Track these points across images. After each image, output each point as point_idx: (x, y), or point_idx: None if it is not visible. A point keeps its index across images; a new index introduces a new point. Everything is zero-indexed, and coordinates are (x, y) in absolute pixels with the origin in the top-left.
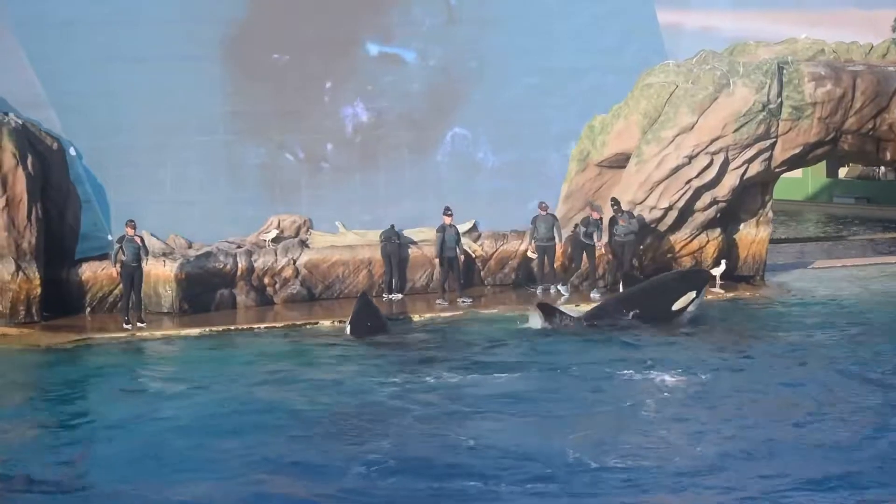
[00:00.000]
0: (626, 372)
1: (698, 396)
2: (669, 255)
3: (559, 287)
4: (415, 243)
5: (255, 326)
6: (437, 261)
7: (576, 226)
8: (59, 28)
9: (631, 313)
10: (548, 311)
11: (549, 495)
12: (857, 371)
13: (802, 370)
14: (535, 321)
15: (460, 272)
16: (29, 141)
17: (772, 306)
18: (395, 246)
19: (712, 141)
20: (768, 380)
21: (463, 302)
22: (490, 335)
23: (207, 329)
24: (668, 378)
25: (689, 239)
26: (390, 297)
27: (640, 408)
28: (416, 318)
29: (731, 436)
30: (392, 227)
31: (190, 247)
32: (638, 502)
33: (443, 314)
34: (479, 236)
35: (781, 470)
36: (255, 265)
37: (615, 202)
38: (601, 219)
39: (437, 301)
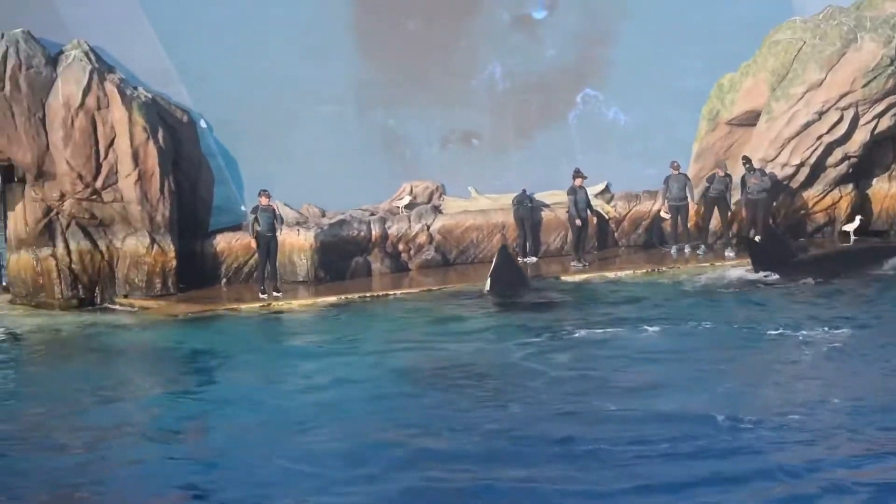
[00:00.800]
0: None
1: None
2: (802, 212)
3: (690, 246)
4: (547, 206)
5: (392, 293)
6: (579, 221)
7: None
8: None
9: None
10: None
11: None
12: None
13: None
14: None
15: (587, 234)
16: (159, 115)
17: None
18: (527, 209)
19: (842, 96)
20: None
21: (578, 265)
22: (627, 294)
23: (344, 297)
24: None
25: (821, 195)
26: (524, 260)
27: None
28: (551, 279)
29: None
30: (524, 191)
31: (324, 215)
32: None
33: (580, 276)
34: (612, 197)
35: None
36: (389, 232)
37: (746, 160)
38: (728, 176)
39: (573, 263)
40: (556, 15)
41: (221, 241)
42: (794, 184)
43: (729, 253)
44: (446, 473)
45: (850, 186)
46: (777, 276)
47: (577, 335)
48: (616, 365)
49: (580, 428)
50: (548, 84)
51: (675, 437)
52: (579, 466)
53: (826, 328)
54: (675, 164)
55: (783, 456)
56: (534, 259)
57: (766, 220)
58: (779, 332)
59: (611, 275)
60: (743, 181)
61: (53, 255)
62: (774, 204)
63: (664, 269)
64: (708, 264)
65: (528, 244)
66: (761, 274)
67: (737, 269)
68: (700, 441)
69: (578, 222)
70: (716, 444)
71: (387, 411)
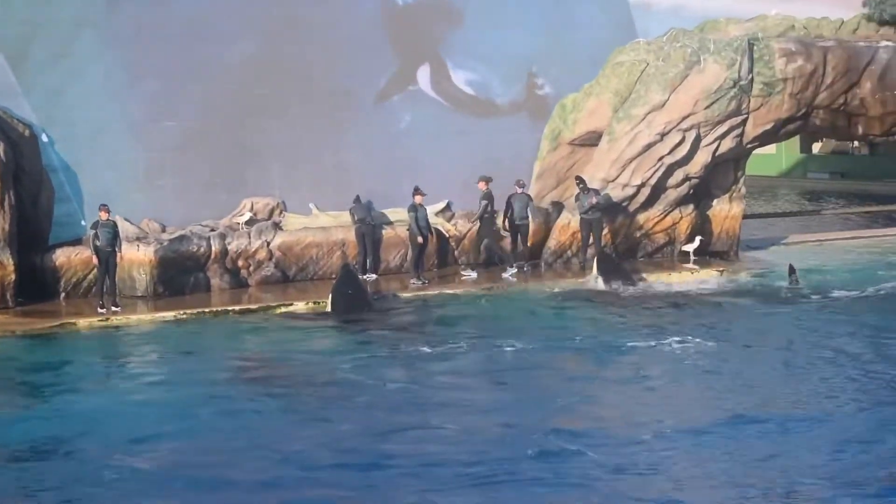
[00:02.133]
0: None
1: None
2: (642, 232)
3: (530, 265)
4: (390, 223)
5: (230, 308)
6: (420, 239)
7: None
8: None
9: None
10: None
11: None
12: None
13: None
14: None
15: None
16: (0, 128)
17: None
18: (368, 227)
19: (684, 118)
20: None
21: (417, 282)
22: (465, 312)
23: (182, 312)
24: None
25: (662, 215)
26: (364, 277)
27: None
28: (392, 296)
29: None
30: (358, 197)
31: (164, 231)
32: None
33: (420, 293)
34: (453, 216)
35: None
36: (229, 248)
37: (580, 180)
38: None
39: (412, 281)
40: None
41: (61, 256)
42: (635, 204)
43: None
44: (234, 495)
45: (691, 207)
46: (629, 289)
47: (412, 352)
48: (448, 382)
49: (392, 446)
50: (389, 108)
51: (478, 459)
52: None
53: (678, 341)
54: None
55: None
56: (373, 276)
57: (599, 240)
58: (628, 345)
59: (450, 292)
60: (576, 200)
61: None
62: (615, 224)
63: (506, 287)
64: (548, 282)
65: (368, 261)
66: (611, 287)
67: (584, 284)
68: (502, 465)
69: (420, 240)
70: (518, 469)
71: (204, 430)
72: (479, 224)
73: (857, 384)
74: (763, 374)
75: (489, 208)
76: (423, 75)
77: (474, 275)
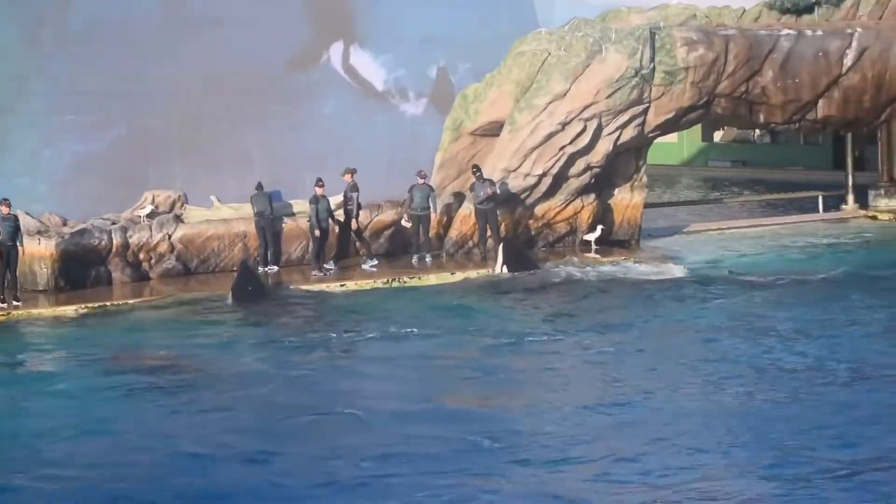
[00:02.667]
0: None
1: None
2: (544, 222)
3: (432, 256)
4: (291, 215)
5: (131, 301)
6: (317, 232)
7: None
8: None
9: None
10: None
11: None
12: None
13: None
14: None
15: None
16: None
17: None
18: (267, 219)
19: (585, 107)
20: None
21: (319, 273)
22: (367, 302)
23: (84, 306)
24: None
25: (563, 205)
26: (266, 269)
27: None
28: (292, 287)
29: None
30: (260, 185)
31: (65, 224)
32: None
33: (321, 284)
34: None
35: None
36: (131, 241)
37: (476, 168)
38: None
39: (313, 272)
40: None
41: None
42: (537, 194)
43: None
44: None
45: (593, 196)
46: (535, 277)
47: (314, 342)
48: (351, 371)
49: (267, 440)
50: (292, 95)
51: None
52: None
53: (582, 329)
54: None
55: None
56: (275, 268)
57: (497, 229)
58: (535, 338)
59: (351, 283)
60: (471, 190)
61: None
62: (514, 214)
63: (406, 278)
64: (450, 273)
65: (269, 253)
66: (516, 275)
67: (488, 275)
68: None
69: (317, 232)
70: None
71: (100, 424)
72: (344, 217)
73: (747, 374)
74: (667, 362)
75: (357, 200)
76: (335, 53)
77: (375, 264)
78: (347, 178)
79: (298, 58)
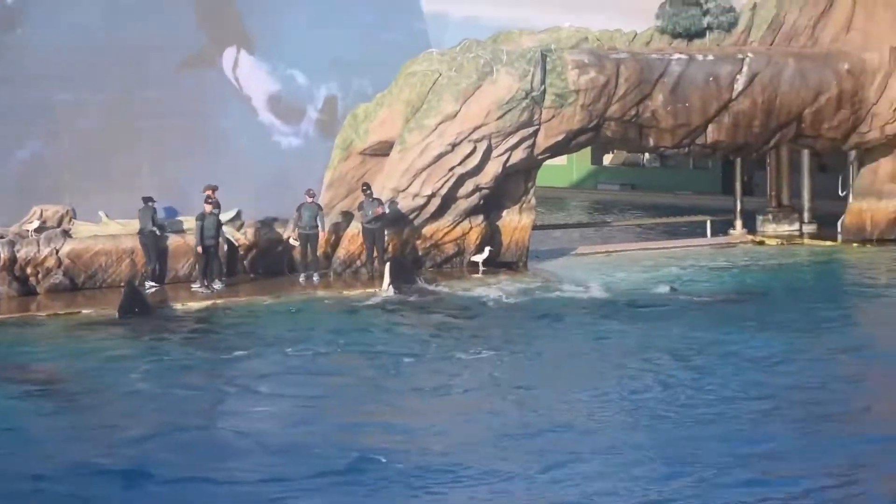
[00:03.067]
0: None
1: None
2: (432, 242)
3: (319, 274)
4: (181, 231)
5: (16, 316)
6: (199, 249)
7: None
8: None
9: None
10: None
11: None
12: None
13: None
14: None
15: (220, 261)
16: None
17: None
18: (149, 236)
19: (475, 128)
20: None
21: (207, 290)
22: (253, 320)
23: None
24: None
25: (452, 226)
26: (150, 285)
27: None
28: (178, 305)
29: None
30: (149, 198)
31: None
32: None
33: (207, 302)
34: (243, 224)
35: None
36: (18, 255)
37: (366, 186)
38: (313, 204)
39: (200, 289)
40: None
41: None
42: (425, 214)
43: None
44: None
45: (481, 218)
46: (422, 297)
47: (198, 359)
48: (232, 389)
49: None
50: (185, 111)
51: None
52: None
53: (471, 349)
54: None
55: None
56: (155, 286)
57: (383, 249)
58: (418, 354)
59: (238, 300)
60: (359, 208)
61: None
62: (404, 235)
63: (294, 295)
64: (338, 291)
65: (155, 270)
66: (403, 295)
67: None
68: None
69: (199, 249)
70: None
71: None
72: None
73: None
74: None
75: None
76: (228, 60)
77: (207, 291)
78: (209, 193)
79: (192, 62)
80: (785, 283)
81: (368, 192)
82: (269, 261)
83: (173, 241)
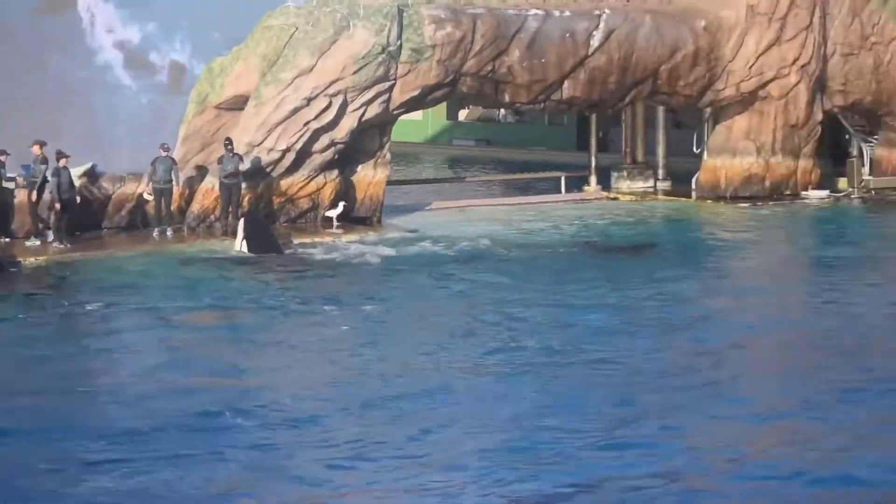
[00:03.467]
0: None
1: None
2: (287, 197)
3: (173, 229)
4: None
5: None
6: (58, 206)
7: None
8: None
9: None
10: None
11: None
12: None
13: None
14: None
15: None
16: None
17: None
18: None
19: (331, 83)
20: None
21: (60, 245)
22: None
23: None
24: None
25: (306, 180)
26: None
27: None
28: (29, 260)
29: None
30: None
31: None
32: None
33: (63, 256)
34: (98, 178)
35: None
36: None
37: (229, 141)
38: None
39: (55, 244)
40: None
41: None
42: (280, 168)
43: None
44: None
45: (336, 173)
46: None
47: (53, 315)
48: (92, 348)
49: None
50: (36, 62)
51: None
52: None
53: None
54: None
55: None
56: (6, 239)
57: (237, 205)
58: (274, 309)
59: (95, 254)
60: (219, 163)
61: None
62: (257, 189)
63: (147, 249)
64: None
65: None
66: (257, 252)
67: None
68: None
69: (58, 205)
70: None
71: None
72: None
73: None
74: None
75: (45, 172)
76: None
77: (39, 244)
78: (36, 149)
79: (47, 8)
80: (629, 237)
81: (230, 146)
82: (123, 215)
83: (20, 194)
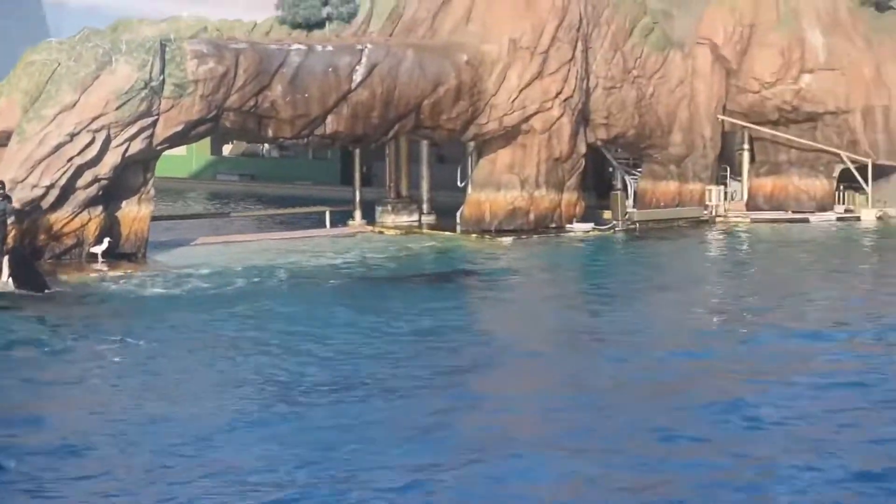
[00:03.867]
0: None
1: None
2: (51, 234)
3: None
4: None
5: None
6: None
7: None
8: None
9: None
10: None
11: None
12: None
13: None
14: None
15: None
16: None
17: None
18: None
19: (94, 118)
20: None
21: None
22: None
23: None
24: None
25: (71, 217)
26: None
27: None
28: None
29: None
30: None
31: None
32: None
33: None
34: None
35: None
36: None
37: (1, 185)
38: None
39: None
40: None
41: None
42: (44, 205)
43: None
44: None
45: (100, 209)
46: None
47: None
48: None
49: None
50: None
51: None
52: None
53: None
54: None
55: None
56: None
57: (2, 241)
58: (55, 346)
59: None
60: None
61: None
62: (22, 225)
63: None
64: None
65: None
66: (24, 289)
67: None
68: None
69: None
70: None
71: None
72: None
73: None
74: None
75: None
76: None
77: None
78: None
79: None
80: (392, 270)
81: (2, 189)
82: None
83: None
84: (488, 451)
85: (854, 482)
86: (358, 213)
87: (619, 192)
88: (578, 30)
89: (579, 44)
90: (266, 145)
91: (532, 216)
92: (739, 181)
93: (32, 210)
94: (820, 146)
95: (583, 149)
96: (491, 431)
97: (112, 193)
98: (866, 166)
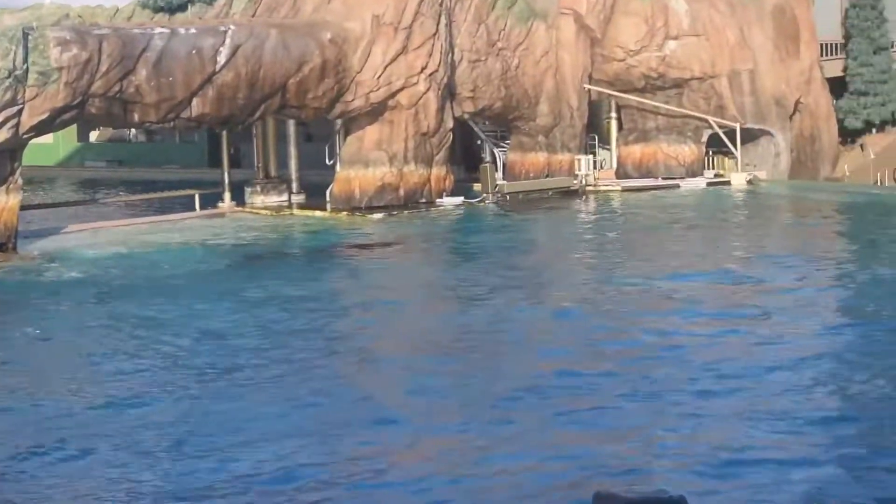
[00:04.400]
0: None
1: None
2: None
3: None
4: None
5: None
6: None
7: None
8: None
9: None
10: None
11: None
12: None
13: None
14: None
15: None
16: None
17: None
18: None
19: None
20: None
21: None
22: None
23: None
24: None
25: None
26: None
27: None
28: None
29: None
30: None
31: None
32: None
33: None
34: None
35: None
36: None
37: None
38: None
39: None
40: None
41: None
42: None
43: None
44: None
45: None
46: None
47: None
48: None
49: None
50: None
51: None
52: None
53: None
54: None
55: None
56: None
57: None
58: None
59: None
60: None
61: None
62: None
63: None
64: None
65: None
66: None
67: None
68: None
69: None
70: None
71: None
72: None
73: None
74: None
75: None
76: None
77: None
78: None
79: None
80: (266, 248)
81: None
82: None
83: None
84: None
85: None
86: (227, 195)
87: (488, 165)
88: (441, 4)
89: (443, 18)
90: (133, 130)
91: (402, 192)
92: (608, 150)
93: None
94: (687, 112)
95: (450, 123)
96: None
97: None
98: (734, 131)
